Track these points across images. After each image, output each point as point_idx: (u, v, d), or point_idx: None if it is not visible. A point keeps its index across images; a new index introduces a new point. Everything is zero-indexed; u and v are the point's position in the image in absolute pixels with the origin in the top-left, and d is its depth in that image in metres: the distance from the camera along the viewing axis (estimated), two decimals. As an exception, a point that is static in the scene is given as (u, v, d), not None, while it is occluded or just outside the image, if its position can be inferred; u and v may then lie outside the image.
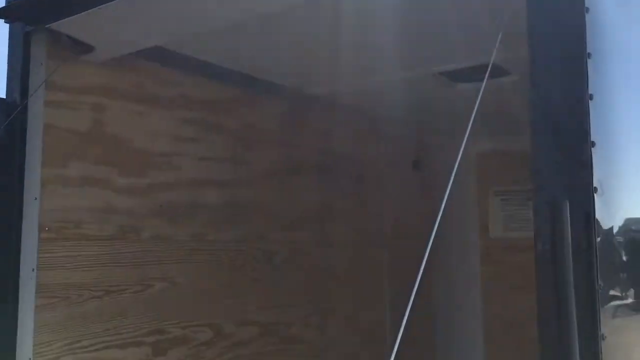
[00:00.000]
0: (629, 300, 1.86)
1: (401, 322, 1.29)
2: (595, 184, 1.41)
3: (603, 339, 1.46)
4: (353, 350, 4.24)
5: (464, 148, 1.47)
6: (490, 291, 5.44)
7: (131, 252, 2.92)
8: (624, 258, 1.75)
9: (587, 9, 1.51)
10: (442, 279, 5.30)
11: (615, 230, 1.60)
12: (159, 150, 3.07)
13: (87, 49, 2.67)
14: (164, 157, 3.09)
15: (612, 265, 1.61)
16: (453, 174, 1.41)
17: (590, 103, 1.47)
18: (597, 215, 1.43)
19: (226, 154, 3.44)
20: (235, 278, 3.43)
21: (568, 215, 1.35)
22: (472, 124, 1.47)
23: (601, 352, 1.44)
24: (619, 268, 1.73)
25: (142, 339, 2.94)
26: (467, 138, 1.43)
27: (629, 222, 1.72)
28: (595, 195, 1.40)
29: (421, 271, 1.33)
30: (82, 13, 2.37)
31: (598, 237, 1.44)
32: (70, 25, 2.52)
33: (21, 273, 2.54)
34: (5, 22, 2.62)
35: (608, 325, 1.47)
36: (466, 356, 5.34)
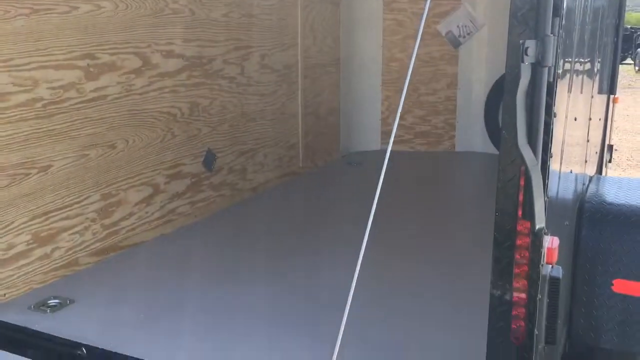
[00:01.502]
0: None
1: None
2: None
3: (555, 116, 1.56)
4: (268, 88, 4.44)
5: None
6: (391, 40, 5.72)
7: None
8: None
9: None
10: (345, 27, 5.46)
11: None
12: None
13: None
14: None
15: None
16: None
17: None
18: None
19: None
20: (156, 8, 3.37)
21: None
22: None
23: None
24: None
25: (74, 62, 2.92)
26: None
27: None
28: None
29: None
30: None
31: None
32: None
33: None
34: None
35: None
36: (368, 98, 5.75)
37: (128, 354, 2.29)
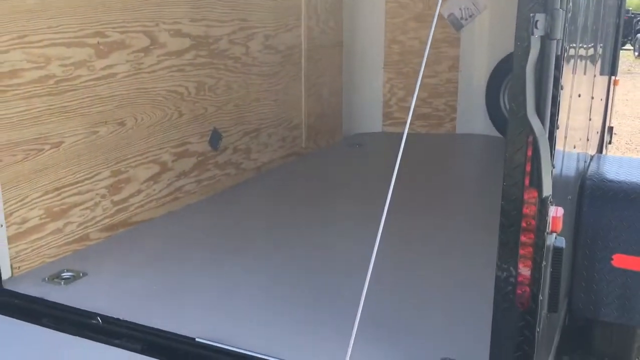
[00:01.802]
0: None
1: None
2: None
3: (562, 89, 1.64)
4: (273, 68, 4.48)
5: None
6: (393, 22, 5.75)
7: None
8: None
9: None
10: (348, 10, 5.49)
11: None
12: None
13: None
14: None
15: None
16: None
17: None
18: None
19: None
20: (165, -13, 3.41)
21: None
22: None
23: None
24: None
25: (85, 40, 2.96)
26: None
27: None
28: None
29: None
30: None
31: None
32: None
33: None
34: None
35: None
36: (369, 81, 5.79)
37: (142, 323, 2.36)
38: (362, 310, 1.71)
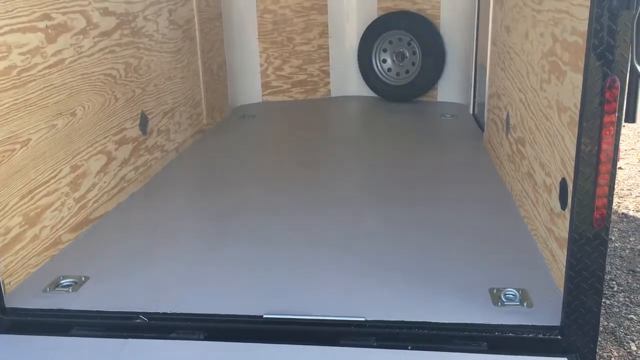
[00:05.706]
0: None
1: None
2: None
3: None
4: (177, 44, 4.32)
5: None
6: (266, -10, 5.77)
7: None
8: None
9: None
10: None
11: None
12: None
13: None
14: None
15: None
16: None
17: None
18: None
19: None
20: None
21: None
22: None
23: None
24: None
25: (36, 24, 2.66)
26: None
27: None
28: None
29: None
30: None
31: None
32: None
33: None
34: None
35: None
36: (247, 52, 5.78)
37: (191, 312, 2.29)
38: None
